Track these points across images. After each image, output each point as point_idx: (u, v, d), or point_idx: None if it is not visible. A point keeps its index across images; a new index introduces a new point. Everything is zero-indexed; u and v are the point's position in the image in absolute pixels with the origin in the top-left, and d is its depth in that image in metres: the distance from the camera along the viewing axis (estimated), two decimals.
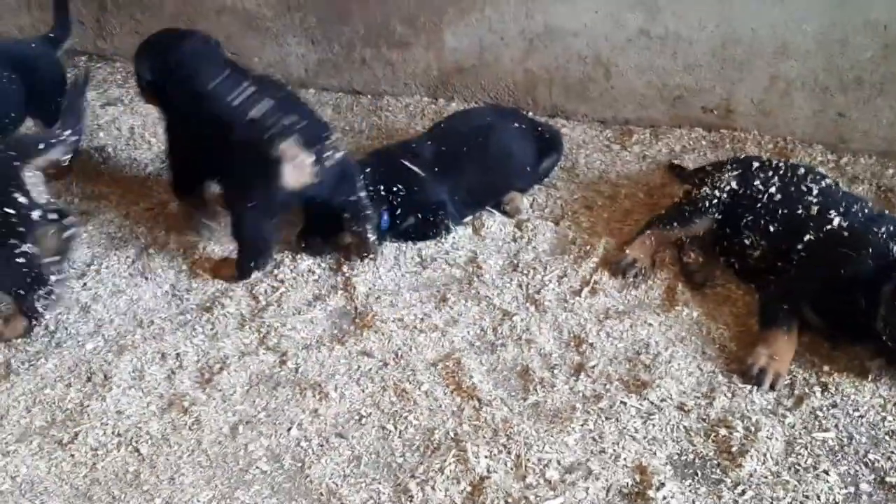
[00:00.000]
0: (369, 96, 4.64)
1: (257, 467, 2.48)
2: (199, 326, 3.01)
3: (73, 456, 2.51)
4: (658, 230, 3.31)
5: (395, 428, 2.58)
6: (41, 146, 2.94)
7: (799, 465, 2.44)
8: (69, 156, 3.12)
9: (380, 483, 2.41)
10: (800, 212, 3.05)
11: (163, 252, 3.38)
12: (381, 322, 3.00)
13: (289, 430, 2.59)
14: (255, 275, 3.23)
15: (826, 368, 2.77)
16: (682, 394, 2.69)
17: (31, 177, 2.88)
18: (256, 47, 4.75)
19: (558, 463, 2.45)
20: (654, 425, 2.57)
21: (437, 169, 3.47)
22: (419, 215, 3.41)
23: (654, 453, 2.48)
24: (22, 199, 2.82)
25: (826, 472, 2.41)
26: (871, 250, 2.79)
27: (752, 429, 2.53)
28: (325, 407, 2.66)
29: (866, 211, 3.02)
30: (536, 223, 3.52)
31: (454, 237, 3.45)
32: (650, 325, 2.97)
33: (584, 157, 4.04)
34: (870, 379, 2.71)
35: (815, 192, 3.09)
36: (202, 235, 3.46)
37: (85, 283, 3.22)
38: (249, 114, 3.03)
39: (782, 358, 2.75)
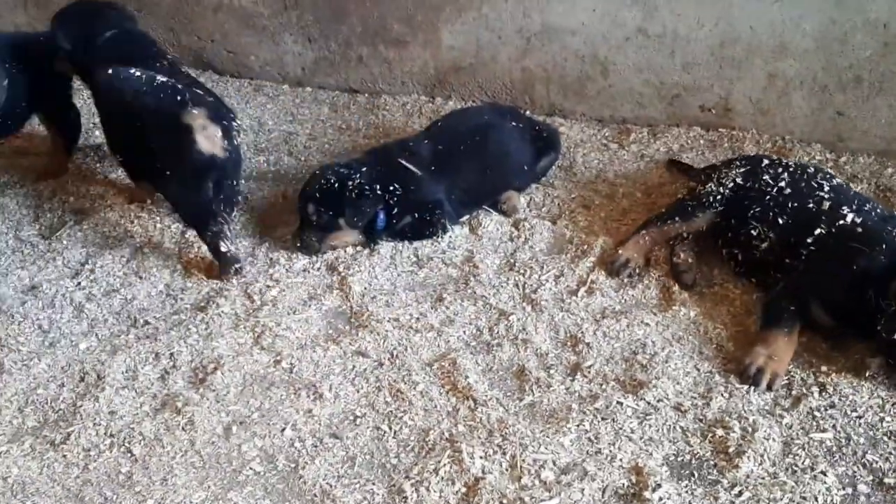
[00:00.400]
0: (366, 94, 4.64)
1: (251, 468, 2.46)
2: (193, 326, 2.99)
3: (65, 457, 2.49)
4: (656, 228, 3.30)
5: (390, 428, 2.57)
6: None
7: (796, 465, 2.42)
8: None
9: (374, 484, 2.40)
10: (811, 206, 3.03)
11: (157, 251, 3.37)
12: (376, 322, 2.98)
13: (283, 430, 2.57)
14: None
15: (824, 369, 2.75)
16: (678, 394, 2.67)
17: None
18: (253, 45, 4.75)
19: (554, 464, 2.43)
20: (650, 426, 2.55)
21: (433, 168, 3.46)
22: (416, 214, 3.40)
23: (651, 454, 2.46)
24: None
25: (824, 473, 2.39)
26: (884, 247, 2.79)
27: (749, 429, 2.51)
28: (320, 407, 2.65)
29: (878, 210, 3.02)
30: (534, 222, 3.51)
31: (451, 236, 3.44)
32: (647, 324, 2.96)
33: (582, 156, 4.02)
34: (867, 375, 2.70)
35: (826, 188, 3.09)
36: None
37: (79, 283, 3.21)
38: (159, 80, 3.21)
39: (781, 358, 2.74)
